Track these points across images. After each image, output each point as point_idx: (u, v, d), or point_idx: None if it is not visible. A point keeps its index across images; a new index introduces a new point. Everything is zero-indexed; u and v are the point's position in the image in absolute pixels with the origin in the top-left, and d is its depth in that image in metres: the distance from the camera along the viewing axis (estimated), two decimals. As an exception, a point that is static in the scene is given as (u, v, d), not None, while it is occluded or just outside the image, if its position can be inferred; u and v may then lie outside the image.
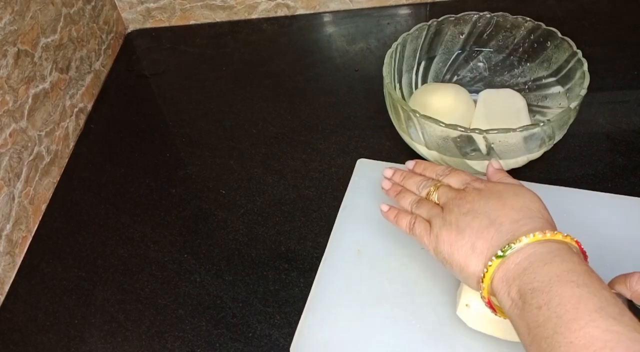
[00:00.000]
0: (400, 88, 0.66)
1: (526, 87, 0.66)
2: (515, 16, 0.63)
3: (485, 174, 0.59)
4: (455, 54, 0.68)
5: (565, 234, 0.39)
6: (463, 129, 0.52)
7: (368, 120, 0.70)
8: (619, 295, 0.41)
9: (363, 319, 0.49)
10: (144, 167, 0.69)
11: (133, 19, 0.90)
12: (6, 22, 0.61)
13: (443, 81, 0.69)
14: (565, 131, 0.57)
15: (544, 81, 0.64)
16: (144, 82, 0.83)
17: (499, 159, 0.55)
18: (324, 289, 0.52)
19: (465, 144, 0.54)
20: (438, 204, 0.46)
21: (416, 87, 0.68)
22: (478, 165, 0.57)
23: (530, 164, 0.59)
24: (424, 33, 0.65)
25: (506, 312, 0.38)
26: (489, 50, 0.67)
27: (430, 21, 0.64)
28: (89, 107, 0.79)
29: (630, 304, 0.40)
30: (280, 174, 0.66)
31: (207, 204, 0.64)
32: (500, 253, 0.39)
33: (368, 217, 0.56)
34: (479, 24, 0.65)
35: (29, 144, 0.64)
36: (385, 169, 0.55)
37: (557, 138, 0.56)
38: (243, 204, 0.63)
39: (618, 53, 0.74)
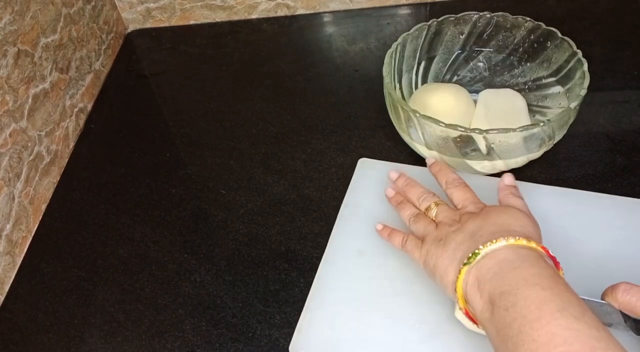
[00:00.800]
0: (400, 88, 0.66)
1: (526, 87, 0.66)
2: (515, 16, 0.63)
3: (485, 175, 0.59)
4: (455, 54, 0.68)
5: (529, 240, 0.40)
6: (463, 129, 0.52)
7: (368, 120, 0.70)
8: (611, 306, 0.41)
9: (362, 318, 0.49)
10: (144, 167, 0.69)
11: (133, 19, 0.90)
12: (6, 22, 0.61)
13: (443, 81, 0.69)
14: (565, 131, 0.57)
15: (544, 81, 0.64)
16: (144, 82, 0.83)
17: (499, 159, 0.55)
18: (323, 288, 0.52)
19: (465, 144, 0.54)
20: (434, 221, 0.48)
21: (416, 87, 0.68)
22: (478, 165, 0.57)
23: (530, 164, 0.59)
24: (424, 33, 0.65)
25: (477, 317, 0.40)
26: (489, 50, 0.67)
27: (430, 21, 0.64)
28: (89, 107, 0.79)
29: (623, 314, 0.40)
30: (280, 174, 0.66)
31: (207, 204, 0.64)
32: (466, 260, 0.41)
33: (368, 216, 0.56)
34: (479, 24, 0.65)
35: (29, 144, 0.64)
36: (390, 171, 0.57)
37: (557, 138, 0.56)
38: (243, 204, 0.63)
39: (618, 53, 0.74)
